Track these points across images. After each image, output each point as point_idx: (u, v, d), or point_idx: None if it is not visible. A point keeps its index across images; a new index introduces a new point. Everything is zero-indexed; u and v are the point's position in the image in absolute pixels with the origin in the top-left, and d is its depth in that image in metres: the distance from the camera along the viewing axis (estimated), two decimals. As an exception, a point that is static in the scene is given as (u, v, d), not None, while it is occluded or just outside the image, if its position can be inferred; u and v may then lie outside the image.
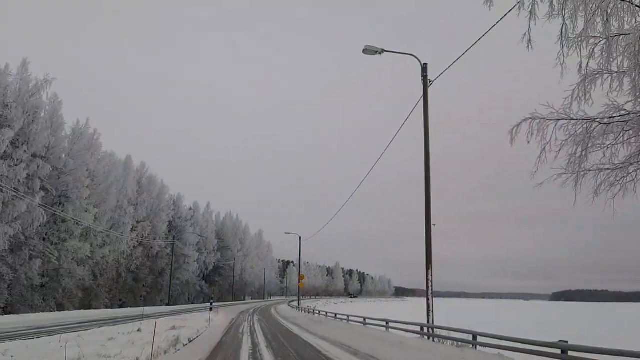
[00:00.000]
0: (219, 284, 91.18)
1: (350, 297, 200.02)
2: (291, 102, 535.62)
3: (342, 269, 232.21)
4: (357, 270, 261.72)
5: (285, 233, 57.72)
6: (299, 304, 59.46)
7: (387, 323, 22.02)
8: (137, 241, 57.97)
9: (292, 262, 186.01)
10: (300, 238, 57.61)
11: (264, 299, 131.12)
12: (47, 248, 40.39)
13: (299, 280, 54.67)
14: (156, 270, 64.70)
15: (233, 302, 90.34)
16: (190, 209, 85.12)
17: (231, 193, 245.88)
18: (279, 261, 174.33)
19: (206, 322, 25.42)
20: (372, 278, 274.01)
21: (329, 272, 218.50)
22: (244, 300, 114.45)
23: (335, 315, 34.14)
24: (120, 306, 56.79)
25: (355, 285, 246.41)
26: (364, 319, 26.21)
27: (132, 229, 56.69)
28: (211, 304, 43.13)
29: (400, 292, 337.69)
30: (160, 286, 66.36)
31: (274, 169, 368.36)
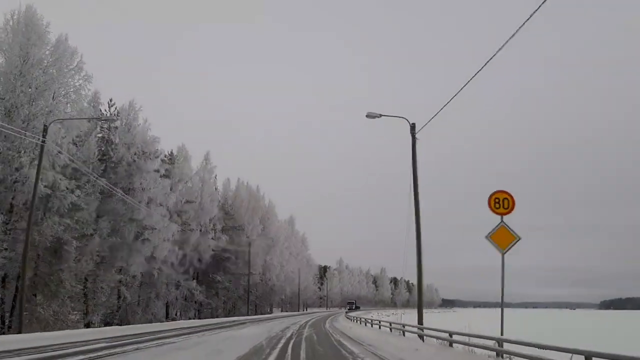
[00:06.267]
0: (223, 285, 51.75)
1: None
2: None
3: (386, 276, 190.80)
4: (401, 278, 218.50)
5: (367, 116, 18.64)
6: (420, 323, 19.17)
7: None
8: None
9: (331, 266, 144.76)
10: (413, 126, 18.50)
11: (298, 310, 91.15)
12: None
13: (510, 238, 14.08)
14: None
15: (242, 319, 50.55)
16: (169, 155, 46.69)
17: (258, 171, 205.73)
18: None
19: None
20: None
21: (374, 280, 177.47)
22: (270, 312, 74.65)
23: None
24: None
25: (403, 294, 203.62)
26: None
27: None
28: None
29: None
30: (52, 280, 27.11)
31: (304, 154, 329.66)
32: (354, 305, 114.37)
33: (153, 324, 32.12)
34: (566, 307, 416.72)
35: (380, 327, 26.49)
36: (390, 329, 23.51)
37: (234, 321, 38.93)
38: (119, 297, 34.79)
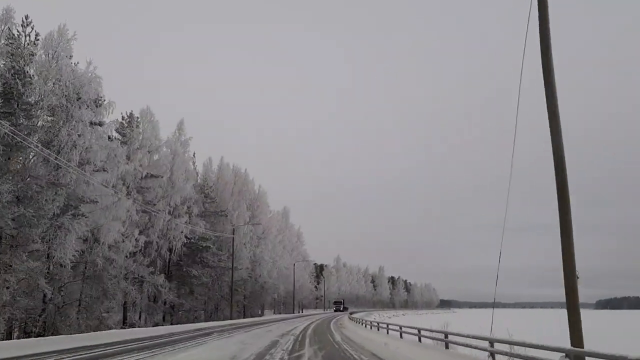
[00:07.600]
0: (200, 281, 41.53)
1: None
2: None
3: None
4: (399, 277, 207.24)
5: None
6: (578, 343, 9.07)
7: None
8: None
9: (329, 265, 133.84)
10: None
11: (293, 312, 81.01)
12: None
13: None
14: None
15: (215, 325, 40.45)
16: (127, 116, 36.64)
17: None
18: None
19: None
20: (418, 286, 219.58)
21: (372, 279, 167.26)
22: (261, 314, 64.55)
23: None
24: None
25: (402, 294, 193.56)
26: None
27: None
28: None
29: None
30: None
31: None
32: (341, 306, 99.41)
33: (82, 334, 22.04)
34: (561, 307, 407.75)
35: (447, 346, 15.18)
36: (492, 356, 12.07)
37: (198, 330, 28.59)
38: (45, 295, 24.75)
